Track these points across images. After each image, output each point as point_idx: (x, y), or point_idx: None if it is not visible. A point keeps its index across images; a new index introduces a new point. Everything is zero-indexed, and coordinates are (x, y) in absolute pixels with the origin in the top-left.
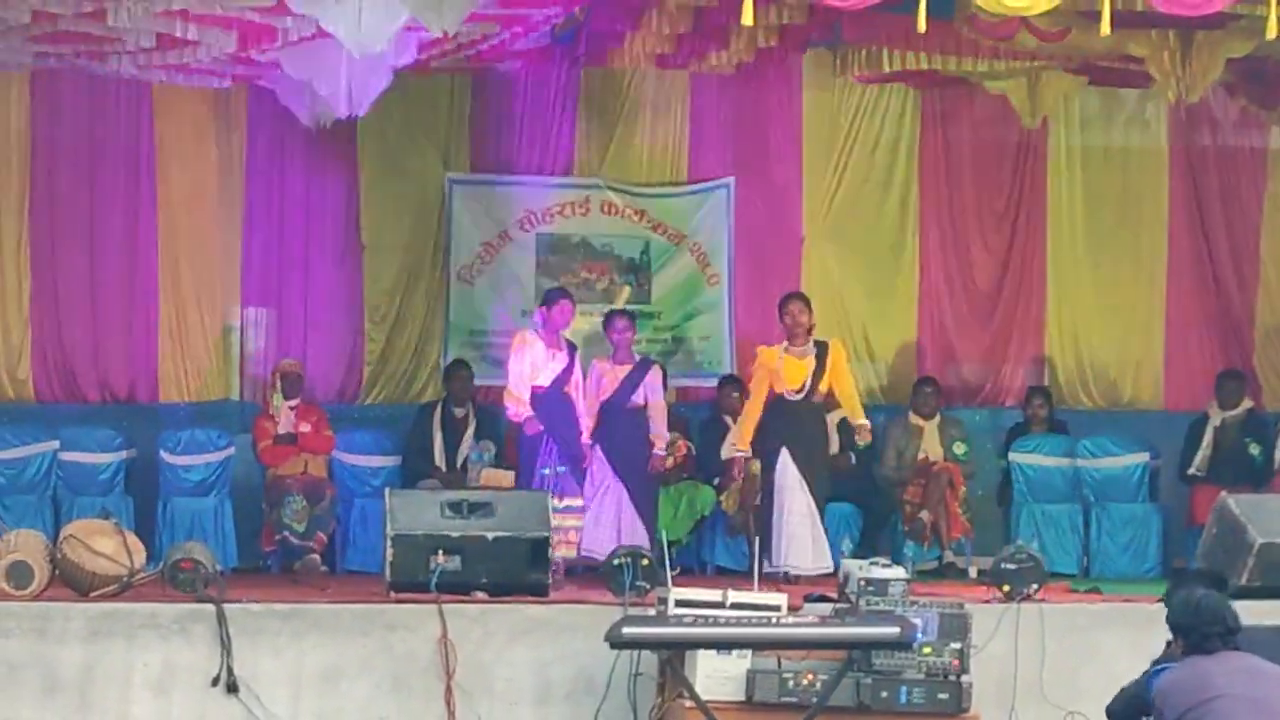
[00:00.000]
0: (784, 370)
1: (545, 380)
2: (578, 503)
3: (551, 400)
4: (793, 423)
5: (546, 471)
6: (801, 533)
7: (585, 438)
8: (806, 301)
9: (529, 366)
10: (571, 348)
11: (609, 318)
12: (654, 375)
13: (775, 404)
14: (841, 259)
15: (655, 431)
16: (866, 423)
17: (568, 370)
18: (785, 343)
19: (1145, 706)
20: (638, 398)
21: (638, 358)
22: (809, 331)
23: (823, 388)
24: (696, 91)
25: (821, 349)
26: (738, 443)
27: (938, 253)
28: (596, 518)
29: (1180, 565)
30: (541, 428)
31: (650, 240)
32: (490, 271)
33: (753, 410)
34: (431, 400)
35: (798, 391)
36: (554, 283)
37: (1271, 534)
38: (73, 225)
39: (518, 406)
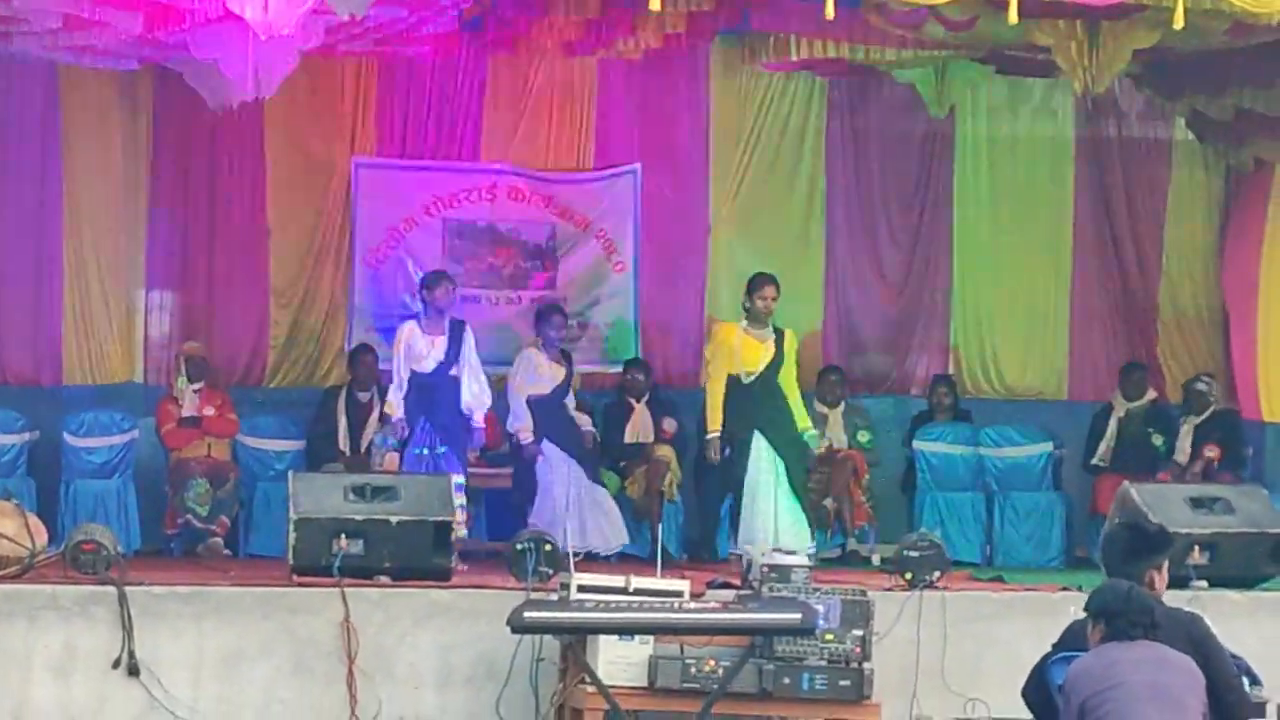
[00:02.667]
0: (744, 350)
1: (429, 366)
2: (459, 480)
3: (433, 385)
4: (755, 404)
5: (419, 453)
6: (775, 513)
7: (525, 430)
8: (778, 285)
9: (404, 360)
10: (457, 328)
11: (546, 312)
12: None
13: (735, 388)
14: (747, 247)
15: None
16: (814, 432)
17: (452, 353)
18: (744, 322)
19: (1045, 688)
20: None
21: (565, 357)
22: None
23: (781, 376)
24: (604, 78)
25: (780, 335)
26: (710, 424)
27: (844, 241)
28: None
29: (1083, 554)
30: (407, 432)
31: (556, 226)
32: (395, 256)
33: (716, 389)
34: (336, 385)
35: (753, 374)
36: (460, 268)
37: (1173, 523)
38: None
39: (391, 411)
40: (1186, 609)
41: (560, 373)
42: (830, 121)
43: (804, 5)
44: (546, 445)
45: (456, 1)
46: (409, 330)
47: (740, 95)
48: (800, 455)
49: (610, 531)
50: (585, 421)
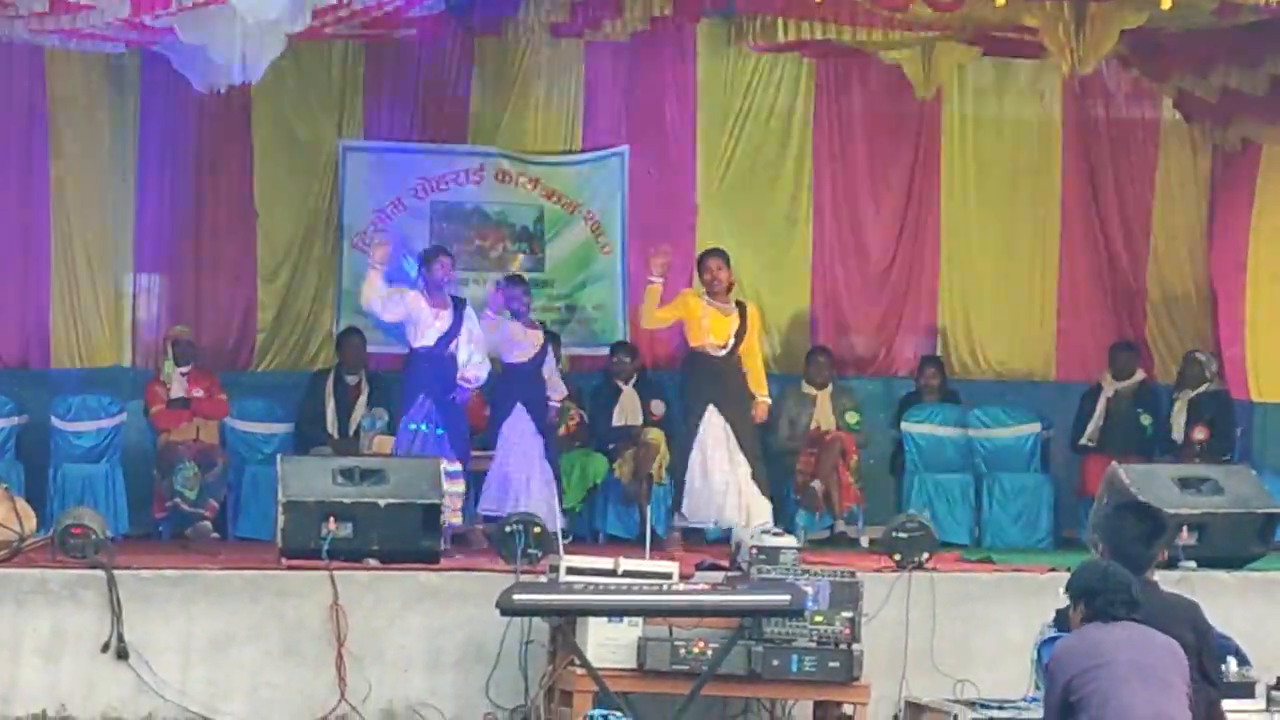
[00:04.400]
0: (710, 323)
1: (430, 340)
2: (455, 468)
3: (434, 359)
4: (719, 379)
5: (414, 428)
6: (726, 489)
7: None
8: (725, 257)
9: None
10: (458, 304)
11: (510, 282)
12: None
13: (700, 360)
14: (735, 229)
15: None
16: (767, 400)
17: (454, 328)
18: (706, 295)
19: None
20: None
21: (539, 324)
22: (729, 289)
23: (743, 349)
24: (591, 60)
25: (742, 309)
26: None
27: (831, 223)
28: (508, 476)
29: (1071, 535)
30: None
31: (544, 209)
32: (383, 239)
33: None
34: (324, 368)
35: (722, 347)
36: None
37: (1161, 504)
38: None
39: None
40: (1187, 596)
41: (538, 338)
42: (817, 103)
43: None
44: (517, 413)
45: None
46: (413, 296)
47: (727, 77)
48: (754, 431)
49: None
50: (559, 393)
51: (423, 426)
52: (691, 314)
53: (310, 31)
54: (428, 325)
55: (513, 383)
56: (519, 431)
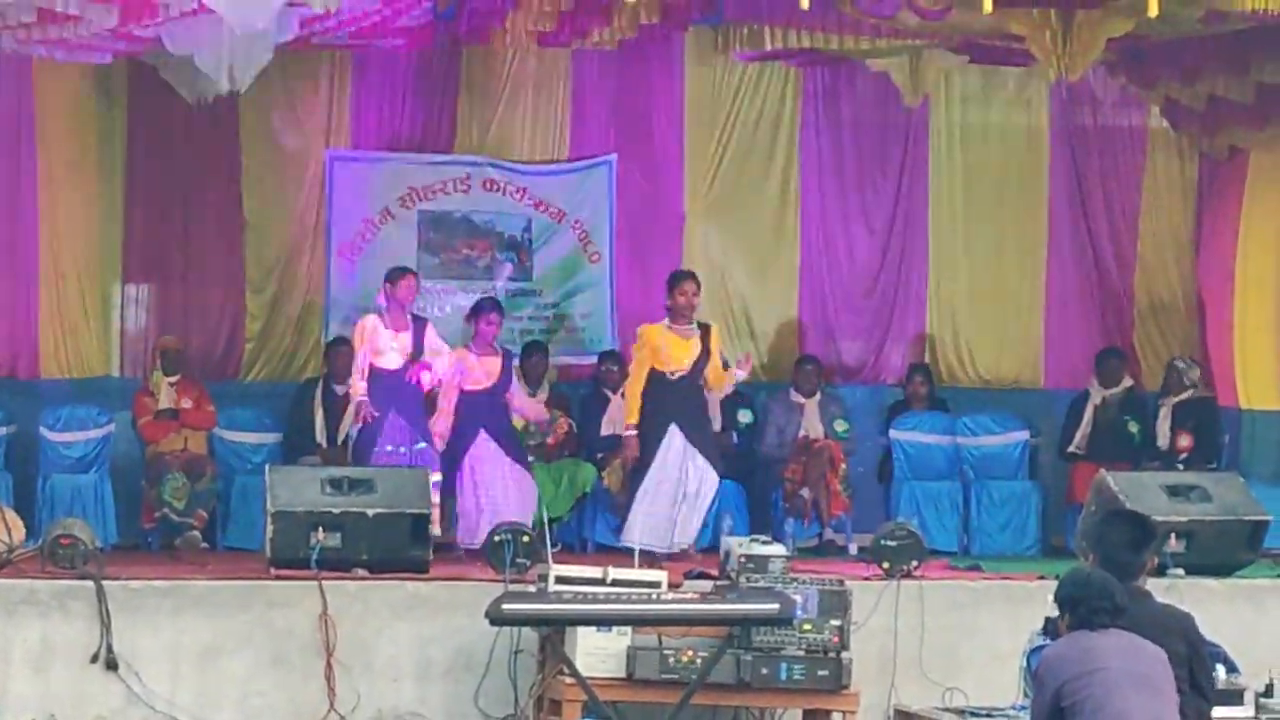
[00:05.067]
0: (669, 349)
1: (393, 362)
2: (437, 478)
3: (398, 380)
4: (679, 400)
5: (392, 450)
6: (675, 509)
7: (442, 426)
8: (698, 281)
9: (367, 355)
10: (419, 323)
11: (481, 306)
12: (516, 382)
13: (659, 383)
14: (723, 237)
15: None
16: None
17: (416, 350)
18: (667, 321)
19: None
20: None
21: (500, 350)
22: (694, 311)
23: (707, 371)
24: (578, 69)
25: (705, 330)
26: (627, 417)
27: (819, 231)
28: (479, 504)
29: (1059, 543)
30: (375, 414)
31: (532, 218)
32: (371, 248)
33: (634, 388)
34: (313, 377)
35: (679, 372)
36: (435, 260)
37: (1150, 511)
38: None
39: (355, 397)
40: (1180, 608)
41: (495, 366)
42: (804, 111)
43: None
44: (480, 440)
45: None
46: (371, 323)
47: (715, 85)
48: (717, 453)
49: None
50: (537, 411)
51: (401, 448)
52: (651, 345)
53: (298, 41)
54: (384, 350)
55: (475, 409)
56: (482, 459)
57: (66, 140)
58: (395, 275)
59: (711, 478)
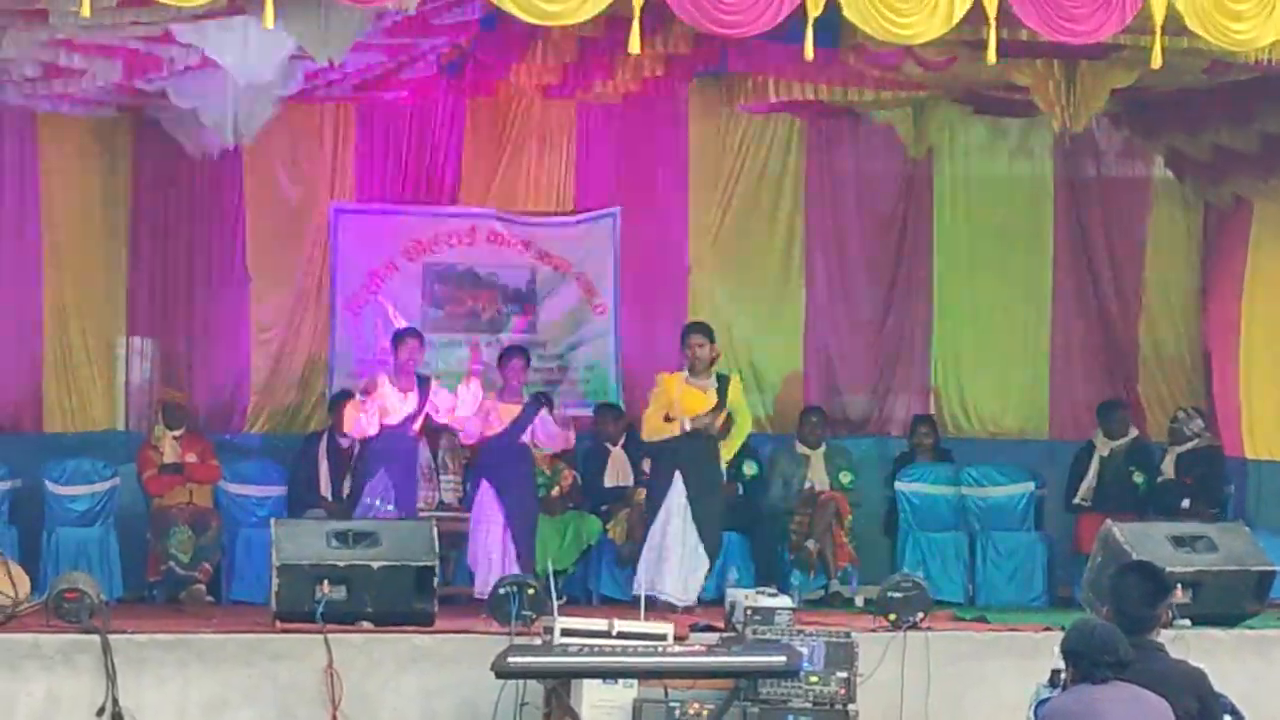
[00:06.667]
0: (683, 400)
1: (396, 420)
2: None
3: (396, 439)
4: (687, 452)
5: (370, 501)
6: (672, 559)
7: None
8: (708, 333)
9: (375, 402)
10: (423, 383)
11: (507, 354)
12: (544, 416)
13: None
14: (727, 289)
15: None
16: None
17: (418, 410)
18: (686, 372)
19: None
20: (526, 436)
21: (527, 397)
22: (711, 363)
23: (719, 422)
24: (583, 121)
25: (723, 383)
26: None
27: (823, 283)
28: (486, 554)
29: (1066, 594)
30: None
31: (536, 270)
32: (375, 301)
33: (651, 421)
34: (317, 430)
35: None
36: (440, 312)
37: (1156, 562)
38: None
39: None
40: (1193, 664)
41: (512, 412)
42: (808, 162)
43: (782, 47)
44: (483, 490)
45: (435, 46)
46: (384, 382)
47: (719, 137)
48: (719, 507)
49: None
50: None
51: (378, 502)
52: (668, 394)
53: (302, 94)
54: (393, 409)
55: (483, 455)
56: (484, 508)
57: (70, 193)
58: (400, 338)
59: (701, 556)
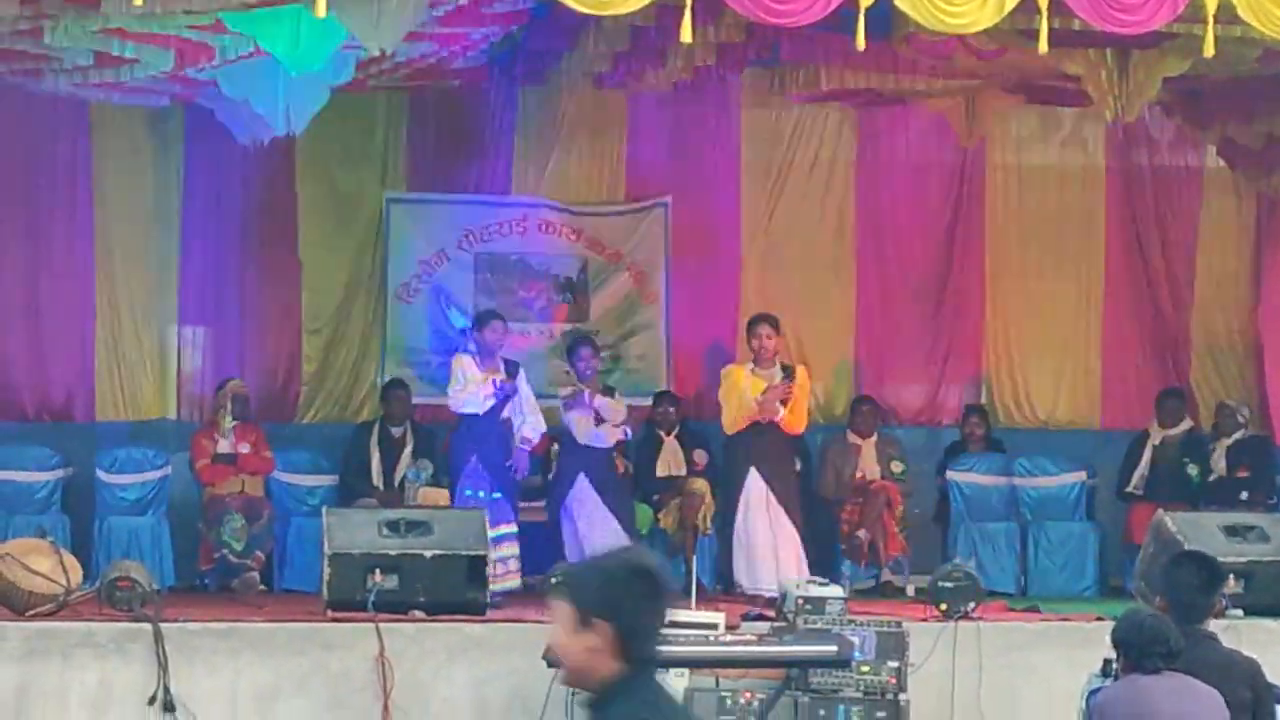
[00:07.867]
0: (751, 390)
1: (482, 405)
2: (513, 530)
3: (486, 425)
4: (760, 443)
5: (470, 494)
6: (765, 553)
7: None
8: (775, 324)
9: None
10: (511, 368)
11: (576, 344)
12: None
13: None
14: (779, 278)
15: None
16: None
17: (509, 393)
18: (751, 364)
19: None
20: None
21: (598, 384)
22: (775, 354)
23: (792, 390)
24: (634, 111)
25: (788, 374)
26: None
27: (874, 272)
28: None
29: (1118, 583)
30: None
31: (588, 259)
32: (428, 290)
33: (730, 415)
34: (369, 419)
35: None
36: (492, 302)
37: (1208, 552)
38: (9, 243)
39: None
40: (1247, 654)
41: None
42: (860, 152)
43: (834, 36)
44: (581, 482)
45: (486, 35)
46: (467, 362)
47: (770, 126)
48: (795, 495)
49: None
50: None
51: (480, 493)
52: (737, 386)
53: (353, 83)
54: (479, 390)
55: (575, 454)
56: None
57: (123, 183)
58: (483, 320)
59: (788, 529)
